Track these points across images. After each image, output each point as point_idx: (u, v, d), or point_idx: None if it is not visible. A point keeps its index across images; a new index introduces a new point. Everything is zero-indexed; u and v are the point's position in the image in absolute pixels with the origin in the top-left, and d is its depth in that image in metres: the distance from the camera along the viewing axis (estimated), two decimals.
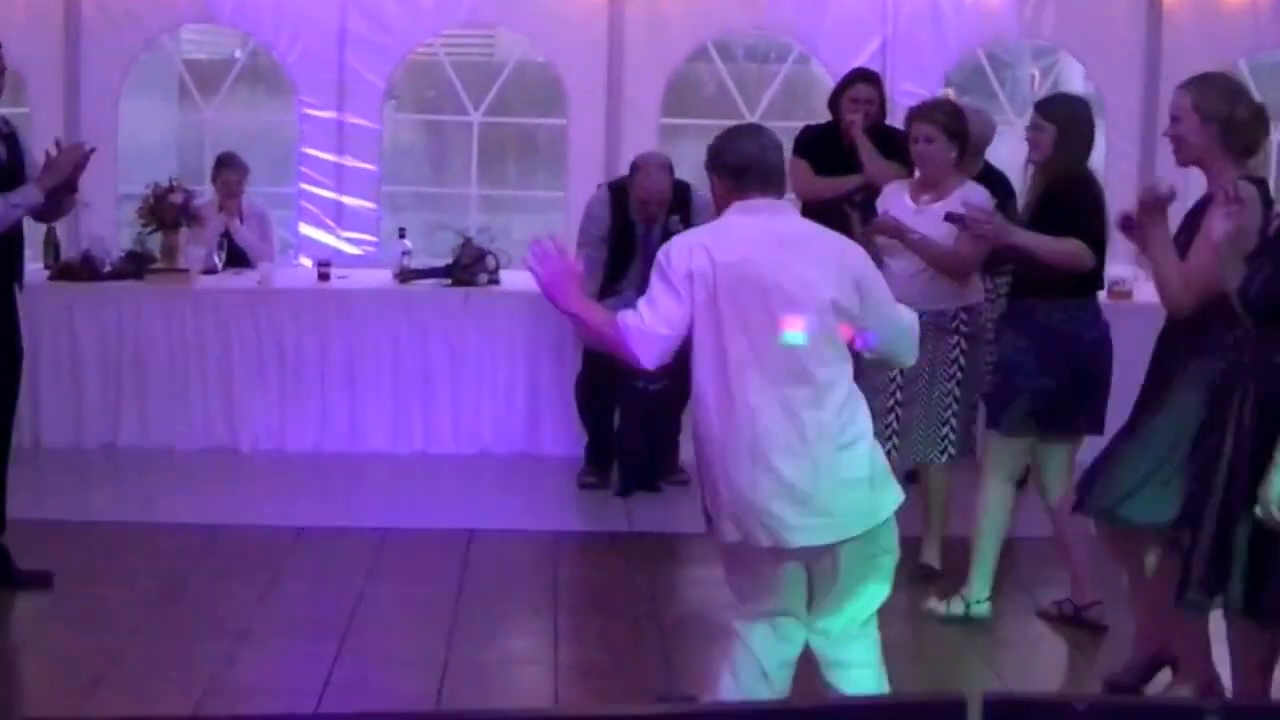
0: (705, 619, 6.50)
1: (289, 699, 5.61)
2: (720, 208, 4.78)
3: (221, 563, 7.09)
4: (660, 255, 4.65)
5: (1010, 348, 6.51)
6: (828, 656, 4.70)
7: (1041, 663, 6.47)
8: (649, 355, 4.55)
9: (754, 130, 4.94)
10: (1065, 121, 6.40)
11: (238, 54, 11.16)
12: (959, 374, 6.97)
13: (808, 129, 8.66)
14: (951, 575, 6.80)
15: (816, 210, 8.32)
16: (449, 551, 7.23)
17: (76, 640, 6.15)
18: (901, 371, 6.73)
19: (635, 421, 8.39)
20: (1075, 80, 11.54)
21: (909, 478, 8.18)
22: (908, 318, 4.81)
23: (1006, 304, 6.78)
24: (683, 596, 6.99)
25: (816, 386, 4.52)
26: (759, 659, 4.68)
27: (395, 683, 5.77)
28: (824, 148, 8.31)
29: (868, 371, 6.90)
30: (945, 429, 6.96)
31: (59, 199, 6.75)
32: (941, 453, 6.97)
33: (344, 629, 6.23)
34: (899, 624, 6.75)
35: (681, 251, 4.60)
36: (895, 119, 8.56)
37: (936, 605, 6.59)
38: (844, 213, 7.89)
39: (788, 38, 10.53)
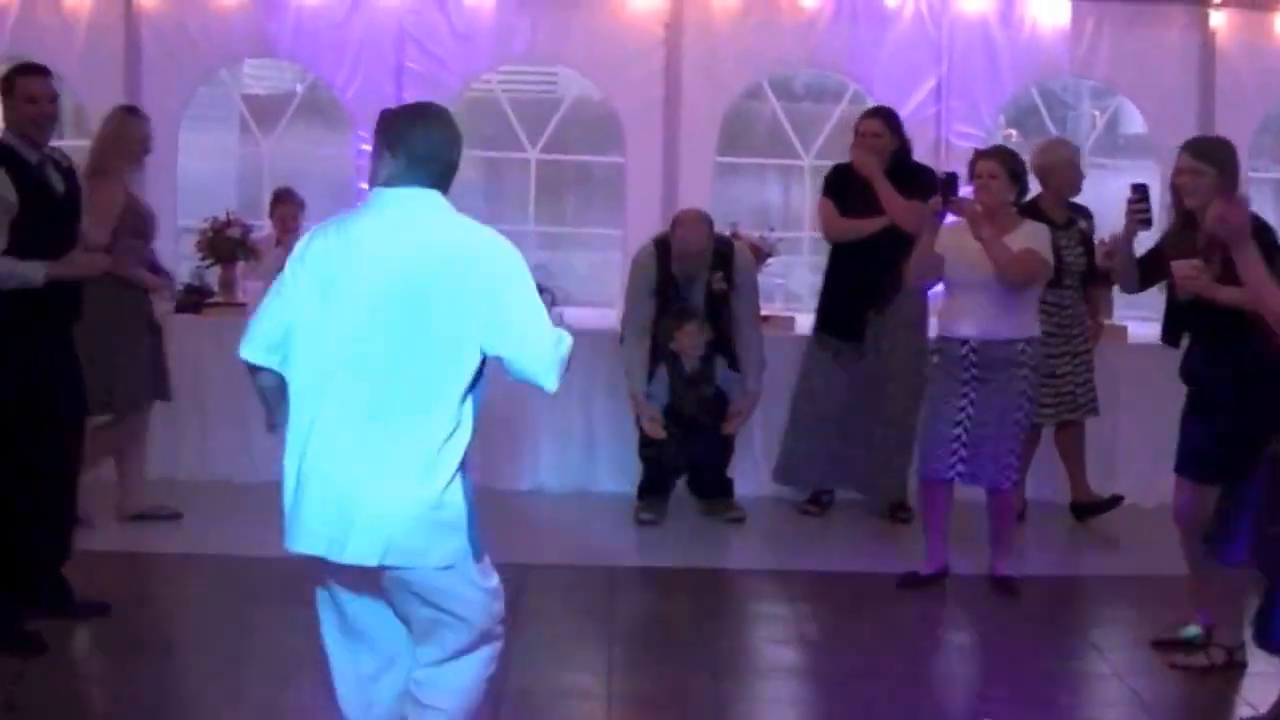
0: (756, 654, 6.51)
1: None
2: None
3: (277, 593, 7.11)
4: None
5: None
6: None
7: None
8: None
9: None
10: (1223, 163, 6.29)
11: (297, 88, 11.25)
12: (1025, 404, 7.21)
13: (837, 169, 8.71)
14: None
15: (843, 250, 8.47)
16: (505, 585, 7.21)
17: (133, 669, 6.18)
18: (972, 400, 7.06)
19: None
20: (1135, 121, 11.52)
21: (897, 508, 8.38)
22: None
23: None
24: (734, 631, 6.97)
25: None
26: None
27: None
28: (848, 188, 8.41)
29: (937, 399, 7.08)
30: (1011, 457, 7.21)
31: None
32: (1007, 478, 7.23)
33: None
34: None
35: None
36: (952, 158, 8.61)
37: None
38: (866, 252, 8.08)
39: (843, 77, 10.54)
